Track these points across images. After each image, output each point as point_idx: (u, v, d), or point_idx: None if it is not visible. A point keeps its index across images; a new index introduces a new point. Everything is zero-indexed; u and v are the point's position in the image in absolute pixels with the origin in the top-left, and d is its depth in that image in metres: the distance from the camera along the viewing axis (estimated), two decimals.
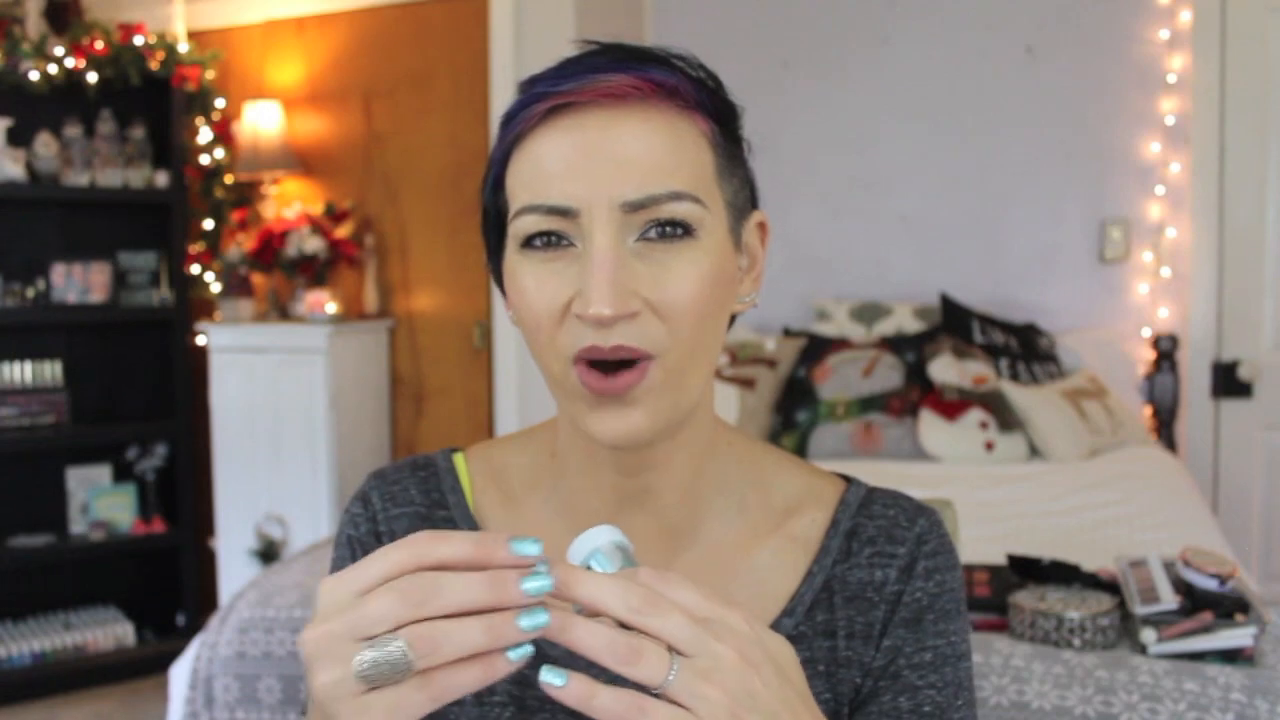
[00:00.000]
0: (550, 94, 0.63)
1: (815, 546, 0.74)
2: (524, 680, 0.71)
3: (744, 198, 0.70)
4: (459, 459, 0.80)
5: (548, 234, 0.64)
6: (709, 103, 0.67)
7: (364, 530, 0.77)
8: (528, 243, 0.65)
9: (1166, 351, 3.15)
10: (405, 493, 0.77)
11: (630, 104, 0.64)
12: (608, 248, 0.62)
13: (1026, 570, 1.61)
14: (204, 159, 3.68)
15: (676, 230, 0.64)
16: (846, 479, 0.78)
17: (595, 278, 0.62)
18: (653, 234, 0.64)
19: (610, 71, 0.63)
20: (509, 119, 0.67)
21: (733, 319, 0.75)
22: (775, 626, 0.71)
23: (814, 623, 0.72)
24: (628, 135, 0.63)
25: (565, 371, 0.65)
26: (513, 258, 0.67)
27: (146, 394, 3.74)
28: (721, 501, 0.74)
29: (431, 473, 0.78)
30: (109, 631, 3.46)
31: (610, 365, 0.64)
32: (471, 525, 0.76)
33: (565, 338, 0.64)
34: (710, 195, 0.66)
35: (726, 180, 0.68)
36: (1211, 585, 1.47)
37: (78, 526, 3.58)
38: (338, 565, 0.78)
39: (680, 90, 0.65)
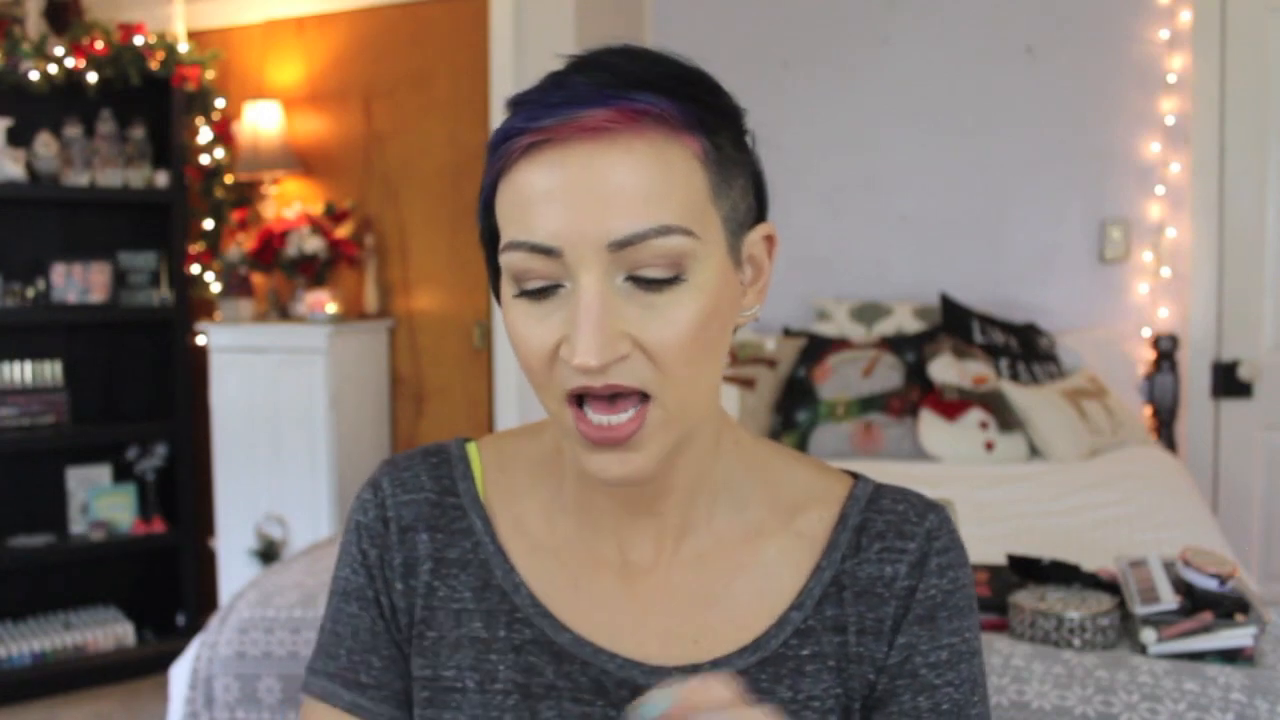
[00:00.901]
0: (529, 129, 0.62)
1: (823, 542, 0.74)
2: (529, 668, 0.71)
3: (745, 207, 0.68)
4: (472, 448, 0.80)
5: (538, 287, 0.64)
6: (698, 120, 0.64)
7: (371, 516, 0.77)
8: (519, 287, 0.65)
9: (1166, 351, 3.15)
10: (416, 479, 0.77)
11: (610, 136, 0.62)
12: (594, 293, 0.61)
13: (1026, 570, 1.61)
14: (204, 159, 3.68)
15: (665, 274, 0.63)
16: (854, 475, 0.78)
17: (581, 327, 0.61)
18: (642, 275, 0.63)
19: (591, 104, 0.61)
20: (494, 147, 0.66)
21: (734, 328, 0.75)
22: (783, 620, 0.71)
23: (823, 617, 0.72)
24: (610, 169, 0.61)
25: (561, 410, 0.65)
26: (506, 289, 0.67)
27: (146, 394, 3.74)
28: (727, 499, 0.74)
29: (444, 459, 0.78)
30: (109, 631, 3.46)
31: (606, 405, 0.64)
32: (480, 513, 0.76)
33: (558, 378, 0.64)
34: (703, 220, 0.64)
35: (723, 196, 0.66)
36: (1211, 585, 1.47)
37: (78, 526, 3.58)
38: (344, 550, 0.78)
39: (666, 115, 0.62)
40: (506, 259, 0.64)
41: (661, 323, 0.62)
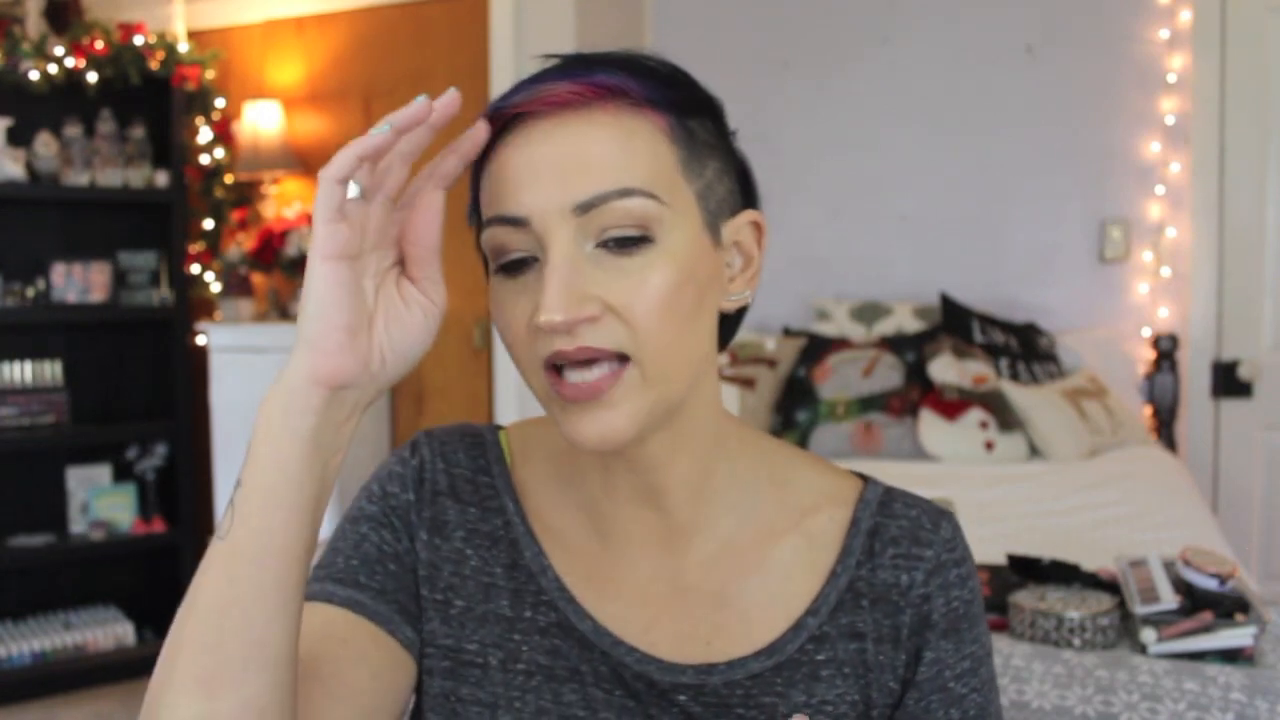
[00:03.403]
0: (499, 110, 0.65)
1: (836, 545, 0.73)
2: (554, 651, 0.72)
3: (724, 191, 0.69)
4: (503, 435, 0.81)
5: (515, 260, 0.66)
6: (663, 98, 0.66)
7: (409, 468, 0.76)
8: (500, 267, 0.67)
9: (1166, 351, 3.15)
10: (455, 455, 0.78)
11: (574, 110, 0.64)
12: (560, 254, 0.63)
13: (1026, 570, 1.61)
14: (204, 159, 3.68)
15: (633, 238, 0.64)
16: (863, 477, 0.78)
17: (547, 286, 0.62)
18: (609, 242, 0.64)
19: (554, 80, 0.64)
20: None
21: (740, 317, 0.74)
22: (799, 625, 0.71)
23: (838, 624, 0.72)
24: (571, 139, 0.64)
25: (541, 382, 0.66)
26: (493, 278, 0.68)
27: (146, 394, 3.74)
28: (736, 499, 0.74)
29: (478, 442, 0.79)
30: (109, 631, 3.46)
31: (582, 367, 0.64)
32: (513, 496, 0.76)
33: (536, 349, 0.65)
34: (672, 191, 0.65)
35: (695, 174, 0.67)
36: (1211, 585, 1.47)
37: (78, 526, 3.58)
38: (364, 489, 0.77)
39: (627, 89, 0.65)
40: (485, 237, 0.67)
41: (631, 284, 0.63)
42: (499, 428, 0.81)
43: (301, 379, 0.61)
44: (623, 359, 0.64)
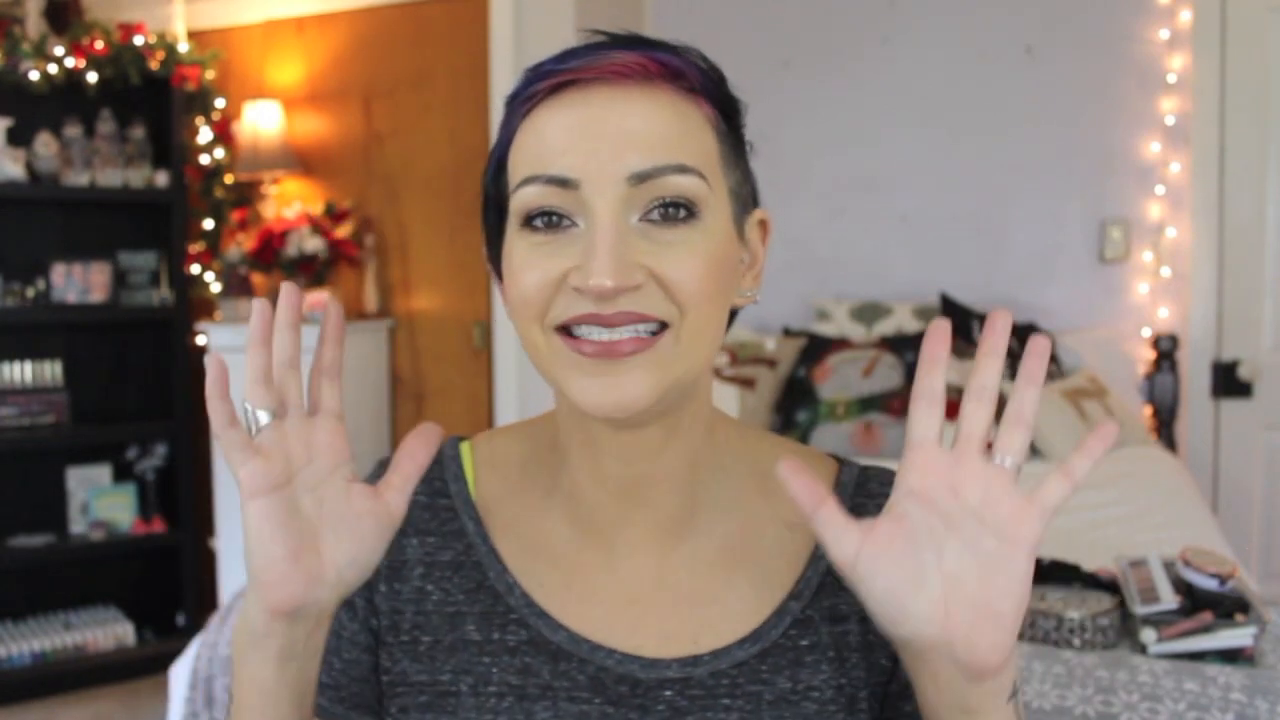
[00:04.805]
0: (556, 71, 0.64)
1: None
2: (525, 669, 0.71)
3: (747, 191, 0.71)
4: (465, 447, 0.79)
5: (548, 214, 0.64)
6: (714, 91, 0.67)
7: None
8: (527, 222, 0.65)
9: (1166, 351, 3.15)
10: None
11: (635, 82, 0.64)
12: (610, 221, 0.62)
13: None
14: (204, 159, 3.68)
15: (680, 212, 0.64)
16: (838, 459, 0.78)
17: (597, 249, 0.61)
18: (655, 215, 0.64)
19: (616, 50, 0.64)
20: (513, 98, 0.67)
21: (733, 316, 0.74)
22: (782, 610, 0.71)
23: (820, 607, 0.72)
24: (632, 111, 0.64)
25: (549, 339, 0.65)
26: (511, 238, 0.67)
27: (146, 394, 3.74)
28: (720, 491, 0.74)
29: (435, 460, 0.78)
30: (109, 631, 3.46)
31: (606, 329, 0.63)
32: (472, 515, 0.76)
33: (556, 308, 0.64)
34: (714, 178, 0.66)
35: (730, 169, 0.68)
36: (1211, 585, 1.47)
37: (78, 526, 3.58)
38: None
39: (686, 74, 0.65)
40: (520, 196, 0.65)
41: (677, 256, 0.63)
42: (461, 439, 0.80)
43: (257, 611, 0.62)
44: (662, 326, 0.64)
